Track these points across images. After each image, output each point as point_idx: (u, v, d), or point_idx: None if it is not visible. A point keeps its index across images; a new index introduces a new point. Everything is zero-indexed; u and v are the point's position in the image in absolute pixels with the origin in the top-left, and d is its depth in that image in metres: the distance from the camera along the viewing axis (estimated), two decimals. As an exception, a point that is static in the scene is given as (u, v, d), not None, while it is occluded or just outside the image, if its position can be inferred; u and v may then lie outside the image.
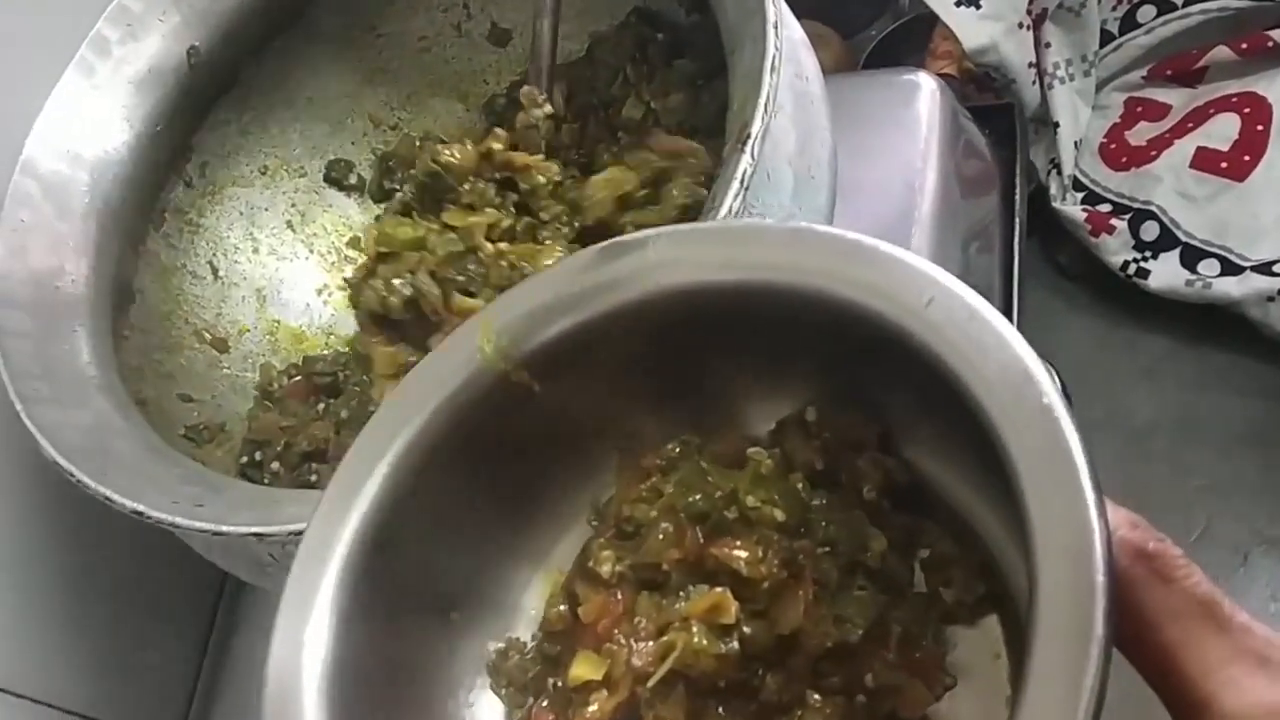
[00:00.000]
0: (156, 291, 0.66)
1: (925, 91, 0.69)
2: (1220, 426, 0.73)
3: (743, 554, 0.36)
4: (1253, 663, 0.26)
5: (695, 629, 0.35)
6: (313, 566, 0.36)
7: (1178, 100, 0.80)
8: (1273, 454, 0.70)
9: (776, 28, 0.45)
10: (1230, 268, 0.74)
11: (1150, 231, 0.77)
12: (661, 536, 0.38)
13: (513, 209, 0.61)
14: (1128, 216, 0.77)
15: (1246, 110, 0.76)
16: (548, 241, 0.59)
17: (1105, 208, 0.79)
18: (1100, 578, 0.25)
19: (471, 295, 0.59)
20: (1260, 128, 0.75)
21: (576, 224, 0.59)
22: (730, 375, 0.39)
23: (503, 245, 0.59)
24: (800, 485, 0.38)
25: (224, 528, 0.47)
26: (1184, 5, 0.79)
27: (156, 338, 0.65)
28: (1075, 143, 0.81)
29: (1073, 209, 0.79)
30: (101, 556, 0.65)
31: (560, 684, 0.39)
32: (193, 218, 0.69)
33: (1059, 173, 0.80)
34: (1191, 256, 0.75)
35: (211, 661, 0.70)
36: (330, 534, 0.36)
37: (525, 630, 0.42)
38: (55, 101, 0.62)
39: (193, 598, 0.71)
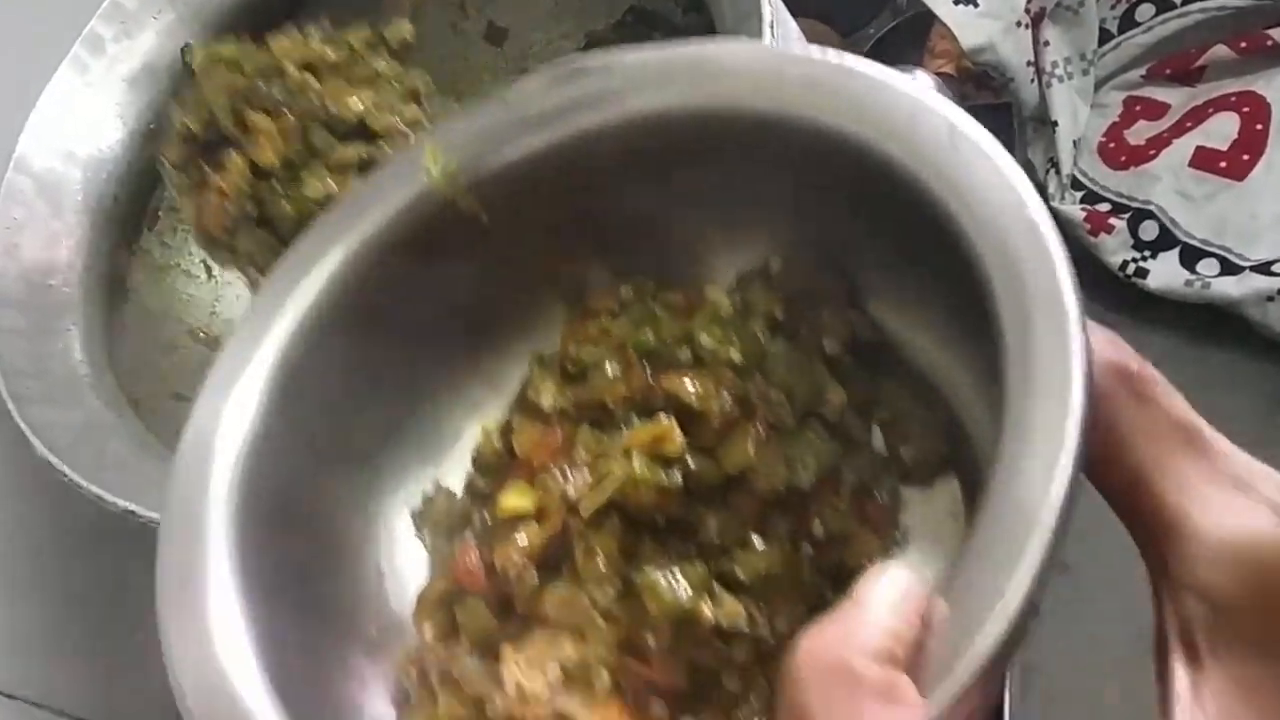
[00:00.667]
0: (150, 290, 0.66)
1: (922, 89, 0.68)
2: (1219, 426, 0.72)
3: (693, 387, 0.34)
4: (1230, 486, 0.25)
5: (637, 459, 0.33)
6: (240, 355, 0.35)
7: (1177, 99, 0.80)
8: (1272, 453, 0.69)
9: (773, 27, 0.45)
10: (1229, 267, 0.73)
11: (1149, 231, 0.77)
12: (608, 373, 0.36)
13: None
14: (1126, 216, 0.77)
15: (1245, 109, 0.76)
16: None
17: (1104, 207, 0.79)
18: (1078, 389, 0.24)
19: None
20: (1259, 127, 0.75)
21: None
22: (693, 222, 0.37)
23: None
24: (759, 331, 0.36)
25: None
26: (1183, 4, 0.79)
27: (150, 337, 0.65)
28: (1074, 142, 0.81)
29: (1071, 208, 0.78)
30: (94, 557, 0.65)
31: (488, 518, 0.37)
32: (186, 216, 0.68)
33: (1057, 172, 0.80)
34: (1190, 256, 0.75)
35: None
36: (259, 333, 0.35)
37: (458, 481, 0.39)
38: (49, 99, 0.62)
39: None
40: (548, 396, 0.37)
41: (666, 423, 0.33)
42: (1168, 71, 0.81)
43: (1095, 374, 0.25)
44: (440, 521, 0.39)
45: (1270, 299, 0.71)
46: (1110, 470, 0.26)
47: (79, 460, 0.51)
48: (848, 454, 0.35)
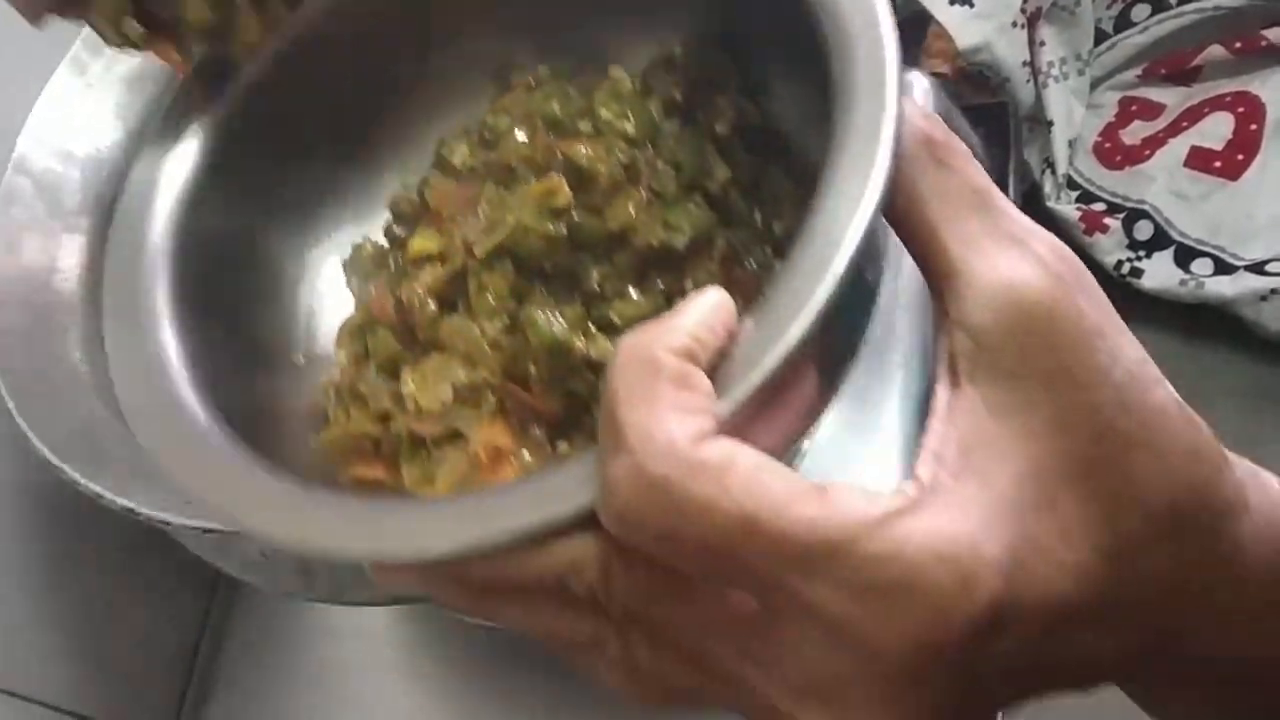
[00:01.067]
0: (149, 290, 0.66)
1: (918, 90, 0.69)
2: (1213, 425, 0.72)
3: (587, 151, 0.39)
4: (1006, 241, 0.28)
5: (527, 210, 0.39)
6: (182, 108, 0.40)
7: (1172, 99, 0.81)
8: (1266, 452, 0.69)
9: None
10: (1223, 267, 0.74)
11: (1144, 231, 0.77)
12: (516, 138, 0.41)
13: None
14: (1121, 216, 0.78)
15: (1240, 109, 0.76)
16: None
17: (1099, 207, 0.79)
18: (885, 146, 0.28)
19: None
20: (1254, 127, 0.75)
21: None
22: (611, 12, 0.43)
23: None
24: (656, 111, 0.41)
25: (214, 525, 0.47)
26: (1178, 4, 0.80)
27: (149, 336, 0.65)
28: (1069, 142, 0.81)
29: (1066, 208, 0.79)
30: (94, 554, 0.65)
31: (401, 260, 0.42)
32: (185, 215, 0.68)
33: (1053, 172, 0.81)
34: (1185, 256, 0.75)
35: (204, 659, 0.70)
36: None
37: (382, 235, 0.45)
38: (48, 99, 0.62)
39: (185, 595, 0.71)
40: (459, 156, 0.43)
41: (557, 180, 0.39)
42: (1163, 72, 0.81)
43: (905, 138, 0.29)
44: (363, 266, 0.44)
45: (1264, 298, 0.71)
46: (909, 220, 0.29)
47: (78, 459, 0.51)
48: (726, 224, 0.40)
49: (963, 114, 0.77)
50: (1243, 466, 0.29)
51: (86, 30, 0.62)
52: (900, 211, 0.29)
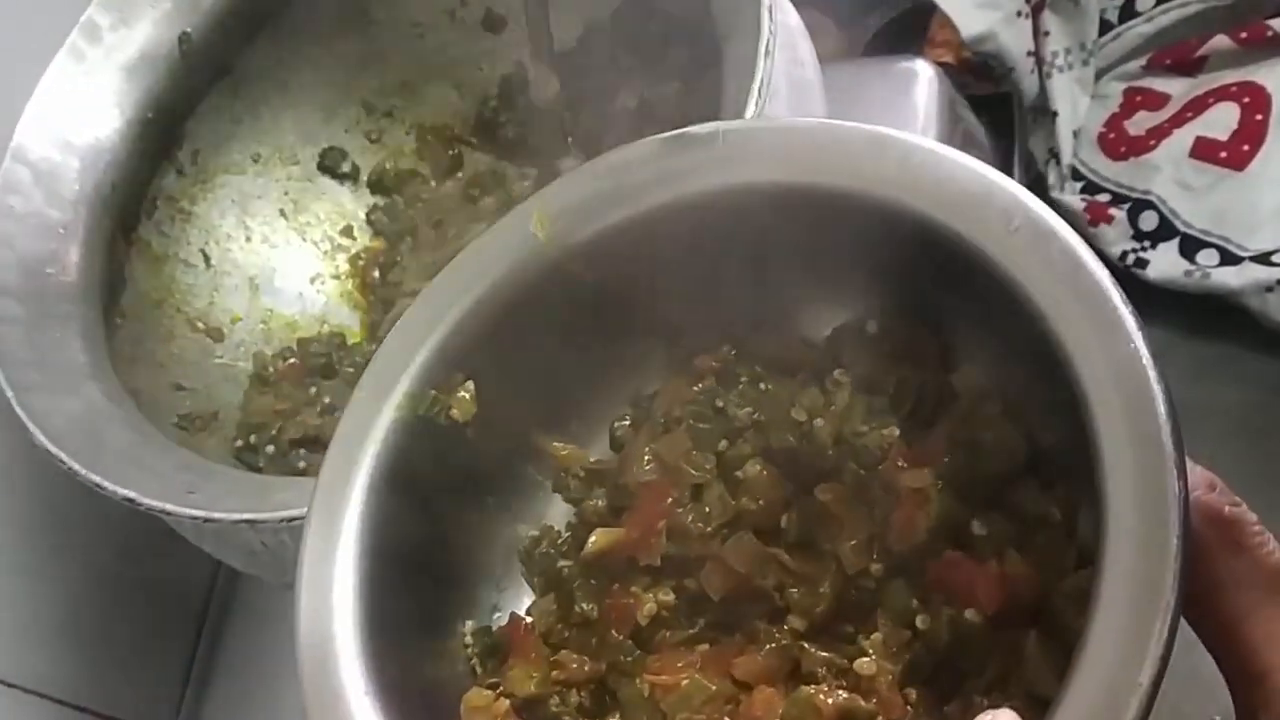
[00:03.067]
0: (148, 279, 0.66)
1: (922, 80, 0.69)
2: (1219, 416, 0.72)
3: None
4: None
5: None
6: (355, 443, 0.36)
7: (1177, 89, 0.80)
8: (1272, 444, 0.69)
9: (770, 11, 0.45)
10: (1229, 258, 0.73)
11: (1149, 221, 0.76)
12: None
13: None
14: (1126, 206, 0.77)
15: (1246, 100, 0.76)
16: None
17: (1104, 197, 0.79)
18: (1175, 540, 0.24)
19: None
20: (1259, 117, 0.75)
21: None
22: (790, 277, 0.38)
23: None
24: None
25: (215, 514, 0.47)
26: (1184, -7, 0.79)
27: (148, 326, 0.65)
28: (1074, 132, 0.80)
29: (1071, 198, 0.78)
30: (93, 545, 0.65)
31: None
32: (184, 206, 0.69)
33: (1057, 162, 0.80)
34: (1190, 246, 0.75)
35: (205, 650, 0.71)
36: (373, 416, 0.37)
37: (559, 520, 0.41)
38: (46, 88, 0.62)
39: (185, 586, 0.72)
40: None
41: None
42: (1168, 62, 0.81)
43: (1193, 520, 0.25)
44: (545, 567, 0.40)
45: (1270, 289, 0.70)
46: (1206, 616, 0.27)
47: (77, 448, 0.51)
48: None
49: (967, 103, 0.77)
50: None
51: (84, 16, 0.62)
52: (1193, 603, 0.26)
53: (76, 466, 0.50)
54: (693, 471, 0.37)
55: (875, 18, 0.91)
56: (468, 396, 0.37)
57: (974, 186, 0.31)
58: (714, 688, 0.34)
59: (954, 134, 0.69)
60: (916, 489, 0.33)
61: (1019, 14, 0.77)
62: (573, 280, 0.37)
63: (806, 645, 0.33)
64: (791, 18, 0.53)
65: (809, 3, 0.86)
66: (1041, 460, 0.32)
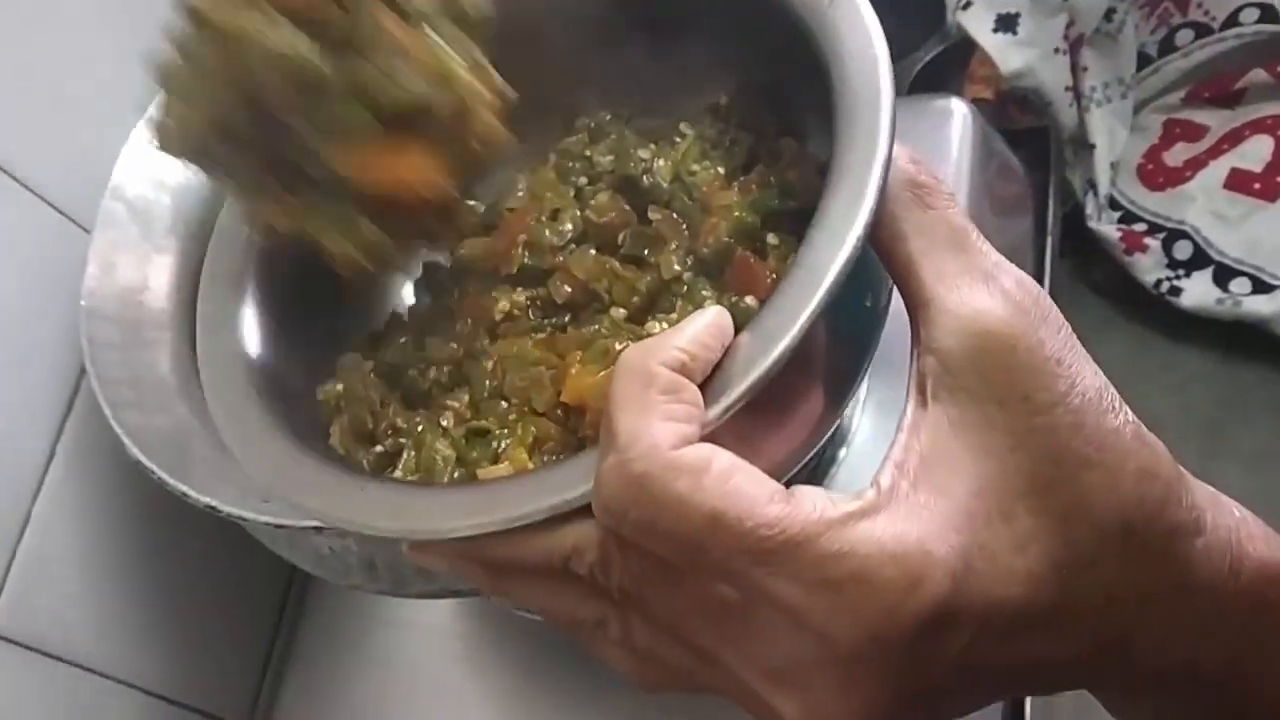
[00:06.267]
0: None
1: (956, 117, 0.71)
2: (1250, 441, 0.74)
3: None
4: (977, 276, 0.31)
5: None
6: None
7: (1215, 121, 0.82)
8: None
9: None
10: (1261, 286, 0.75)
11: (1183, 250, 0.79)
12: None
13: None
14: (1161, 236, 0.79)
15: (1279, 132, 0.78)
16: None
17: (1140, 227, 0.81)
18: (873, 182, 0.32)
19: None
20: (1292, 149, 0.76)
21: None
22: (668, 64, 0.47)
23: None
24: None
25: (286, 521, 0.51)
26: (1221, 29, 0.81)
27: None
28: (1111, 163, 0.83)
29: (1107, 228, 0.81)
30: (180, 549, 0.68)
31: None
32: (265, 235, 0.72)
33: (1095, 193, 0.82)
34: (1223, 275, 0.77)
35: (281, 645, 0.74)
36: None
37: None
38: (141, 131, 0.65)
39: (263, 587, 0.75)
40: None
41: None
42: (1207, 95, 0.83)
43: (891, 180, 0.32)
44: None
45: (1300, 318, 0.72)
46: (892, 253, 0.32)
47: (166, 461, 0.55)
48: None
49: (1005, 137, 0.79)
50: (1203, 491, 0.31)
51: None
52: (884, 245, 0.32)
53: (166, 477, 0.54)
54: (553, 198, 0.46)
55: (925, 50, 0.94)
56: None
57: None
58: (539, 353, 0.41)
59: (987, 168, 0.72)
60: (723, 205, 0.42)
61: (1056, 50, 0.79)
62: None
63: (621, 326, 0.41)
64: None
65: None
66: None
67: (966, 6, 0.81)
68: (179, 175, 0.66)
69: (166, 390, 0.60)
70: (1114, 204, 0.83)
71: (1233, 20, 0.80)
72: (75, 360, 0.62)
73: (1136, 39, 0.83)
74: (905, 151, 0.33)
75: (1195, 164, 0.80)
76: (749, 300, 0.39)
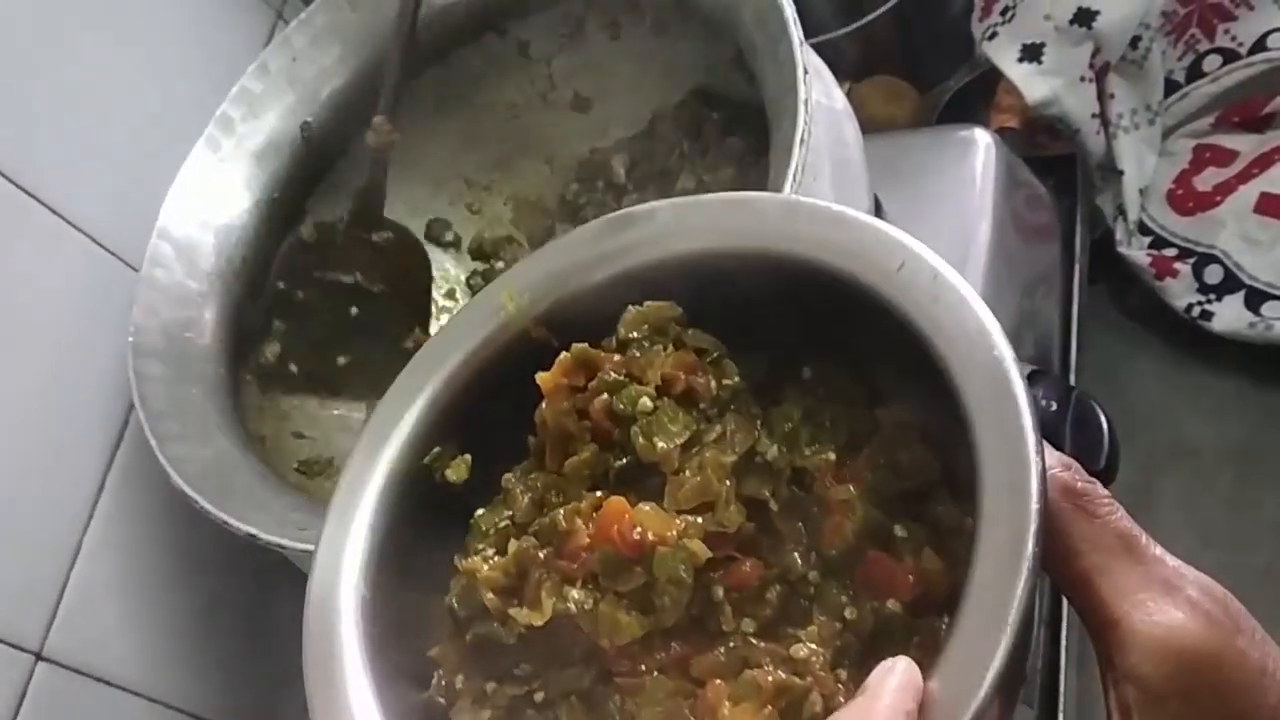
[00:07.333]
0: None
1: (980, 147, 0.72)
2: (1282, 466, 0.74)
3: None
4: (1160, 589, 0.29)
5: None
6: (356, 491, 0.41)
7: (1245, 146, 0.82)
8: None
9: (805, 105, 0.49)
10: (1293, 310, 0.75)
11: (1214, 275, 0.79)
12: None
13: None
14: (1192, 260, 0.79)
15: (1309, 156, 0.78)
16: None
17: (1170, 252, 0.81)
18: (1034, 505, 0.29)
19: None
20: (1321, 173, 0.76)
21: None
22: (727, 329, 0.42)
23: None
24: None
25: None
26: (1248, 54, 0.81)
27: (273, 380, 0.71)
28: (1140, 189, 0.83)
29: (1138, 253, 0.81)
30: (220, 575, 0.70)
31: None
32: (305, 272, 0.74)
33: (1125, 219, 0.83)
34: (1255, 299, 0.77)
35: None
36: (370, 464, 0.41)
37: None
38: (187, 173, 0.68)
39: (300, 614, 0.76)
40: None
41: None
42: (1236, 119, 0.83)
43: (1049, 493, 0.30)
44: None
45: (1330, 341, 0.72)
46: (1064, 573, 0.31)
47: (209, 491, 0.57)
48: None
49: (1033, 164, 0.80)
50: None
51: (219, 111, 0.69)
52: (1056, 564, 0.31)
53: (208, 506, 0.56)
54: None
55: (954, 80, 0.95)
56: (464, 466, 0.42)
57: (867, 236, 0.36)
58: (673, 684, 0.37)
59: (1012, 196, 0.72)
60: (843, 500, 0.38)
61: (1082, 78, 0.80)
62: (537, 344, 0.42)
63: (754, 641, 0.37)
64: (838, 102, 0.58)
65: (891, 68, 0.91)
66: (955, 475, 0.37)
67: (992, 36, 0.82)
68: (221, 215, 0.68)
69: (210, 423, 0.63)
70: (1144, 229, 0.83)
71: (1260, 45, 0.81)
72: (124, 394, 0.64)
73: (1164, 65, 0.83)
74: (1056, 456, 0.32)
75: (1225, 189, 0.80)
76: (890, 604, 0.36)
